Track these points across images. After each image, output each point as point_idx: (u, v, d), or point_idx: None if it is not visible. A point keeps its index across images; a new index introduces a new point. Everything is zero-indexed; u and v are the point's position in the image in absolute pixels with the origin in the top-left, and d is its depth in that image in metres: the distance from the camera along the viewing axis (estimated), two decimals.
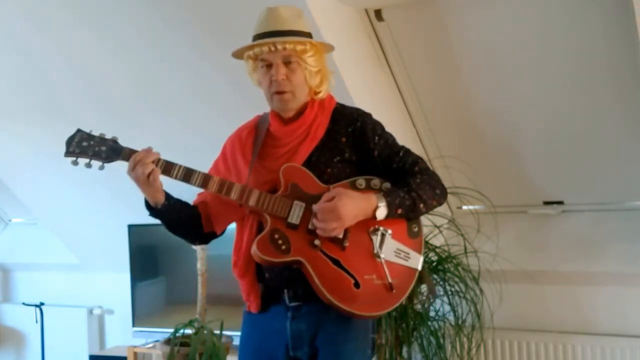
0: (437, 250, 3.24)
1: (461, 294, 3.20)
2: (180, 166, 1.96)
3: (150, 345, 4.02)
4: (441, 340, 3.19)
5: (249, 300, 2.05)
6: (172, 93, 3.45)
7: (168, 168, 1.95)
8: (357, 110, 2.07)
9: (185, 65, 3.26)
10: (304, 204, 1.93)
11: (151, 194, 1.97)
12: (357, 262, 1.91)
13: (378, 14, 3.05)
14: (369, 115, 2.06)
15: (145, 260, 4.23)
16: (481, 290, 3.21)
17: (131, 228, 4.15)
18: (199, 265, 3.58)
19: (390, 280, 1.91)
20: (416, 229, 2.00)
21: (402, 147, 2.05)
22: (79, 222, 4.45)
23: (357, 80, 3.08)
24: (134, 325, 4.23)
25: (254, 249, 1.91)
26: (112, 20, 3.17)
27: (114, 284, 4.57)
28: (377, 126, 2.04)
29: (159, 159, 1.94)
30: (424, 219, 3.20)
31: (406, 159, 2.02)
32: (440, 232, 3.27)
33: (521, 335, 3.37)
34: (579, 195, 3.40)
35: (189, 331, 3.40)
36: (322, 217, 1.88)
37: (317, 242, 1.90)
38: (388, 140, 2.04)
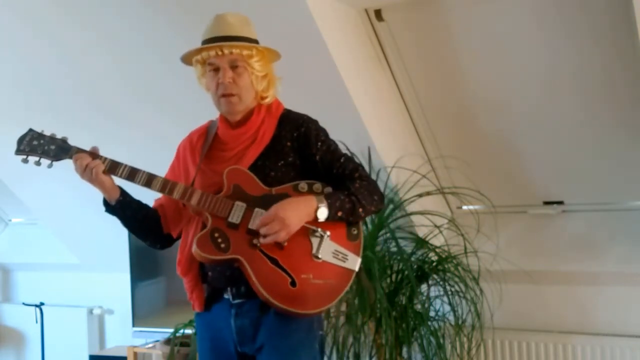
0: (437, 250, 3.24)
1: (461, 294, 3.20)
2: (126, 165, 2.04)
3: (150, 345, 4.01)
4: (441, 340, 3.18)
5: (192, 298, 2.13)
6: (169, 93, 3.43)
7: (114, 167, 2.04)
8: (303, 116, 2.13)
9: (182, 66, 3.25)
10: (245, 205, 2.00)
11: (99, 188, 2.06)
12: (295, 261, 1.96)
13: (378, 14, 3.05)
14: (314, 122, 2.12)
15: (145, 260, 4.21)
16: (481, 290, 3.20)
17: None
18: None
19: (326, 280, 1.97)
20: (355, 232, 2.04)
21: (344, 154, 2.12)
22: (79, 222, 4.45)
23: (357, 80, 3.08)
24: (134, 325, 4.22)
25: (194, 247, 1.97)
26: (110, 20, 3.17)
27: (114, 284, 4.56)
28: (321, 132, 2.11)
29: (105, 158, 2.04)
30: (424, 219, 3.25)
31: (346, 165, 2.09)
32: (440, 232, 3.27)
33: (521, 335, 3.37)
34: (579, 195, 3.40)
35: (189, 331, 3.40)
36: (264, 224, 1.93)
37: (256, 241, 1.96)
38: (330, 146, 2.11)
